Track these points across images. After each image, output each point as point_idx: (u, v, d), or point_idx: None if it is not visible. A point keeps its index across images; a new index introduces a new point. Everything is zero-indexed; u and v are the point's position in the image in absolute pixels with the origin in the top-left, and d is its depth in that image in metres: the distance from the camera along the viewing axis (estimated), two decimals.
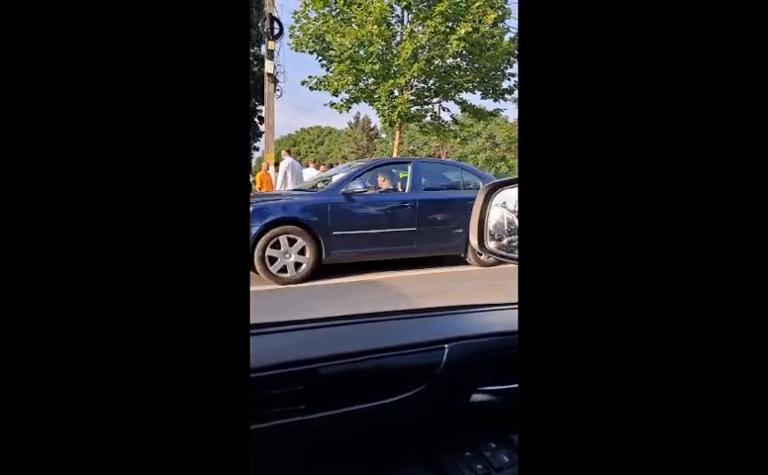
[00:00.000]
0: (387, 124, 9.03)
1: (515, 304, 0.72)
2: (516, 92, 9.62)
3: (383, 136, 27.94)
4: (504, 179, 0.70)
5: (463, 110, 9.90)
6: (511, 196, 0.72)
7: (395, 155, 9.51)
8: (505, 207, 0.78)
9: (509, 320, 0.66)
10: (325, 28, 8.35)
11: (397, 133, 9.39)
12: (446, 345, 0.54)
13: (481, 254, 0.72)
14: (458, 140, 10.43)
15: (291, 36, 8.68)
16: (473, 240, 0.73)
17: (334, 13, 8.35)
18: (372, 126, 30.12)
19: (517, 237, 0.75)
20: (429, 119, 9.83)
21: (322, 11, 8.33)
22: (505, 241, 0.78)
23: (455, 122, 10.45)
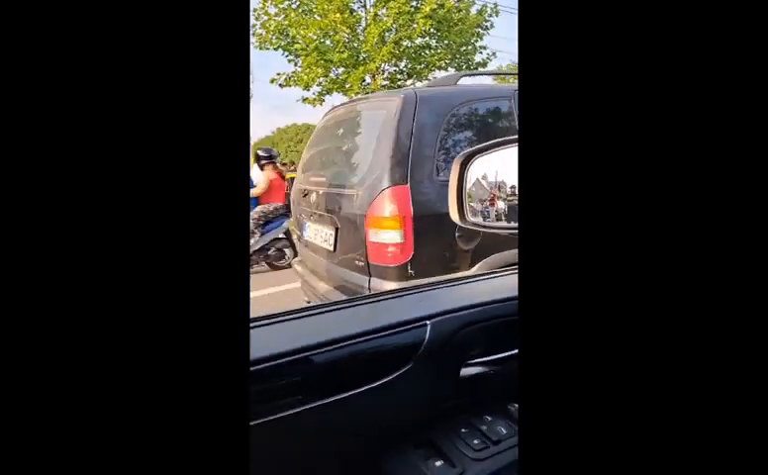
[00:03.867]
0: None
1: (493, 273, 0.70)
2: (489, 65, 9.58)
3: None
4: (477, 147, 0.65)
5: None
6: (486, 163, 0.67)
7: None
8: (484, 177, 0.74)
9: (490, 289, 0.64)
10: (287, 22, 8.15)
11: None
12: (428, 322, 0.51)
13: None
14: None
15: (253, 34, 8.45)
16: (453, 215, 0.68)
17: (294, 5, 8.15)
18: None
19: (497, 204, 0.70)
20: None
21: (282, 5, 8.12)
22: (486, 211, 0.73)
23: None
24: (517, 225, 0.73)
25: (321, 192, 1.95)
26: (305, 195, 2.10)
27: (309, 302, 2.30)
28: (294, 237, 2.56)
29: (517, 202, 0.67)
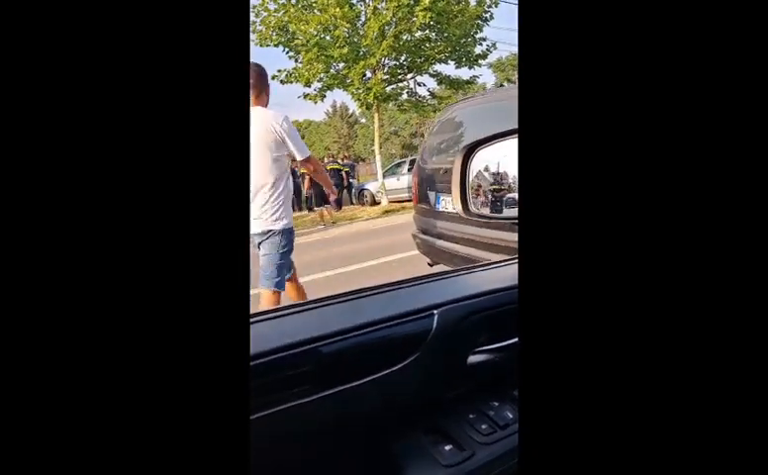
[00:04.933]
0: (364, 107, 8.89)
1: (499, 262, 0.71)
2: (489, 57, 9.51)
3: (363, 121, 27.62)
4: (479, 138, 0.67)
5: (439, 82, 9.76)
6: (488, 155, 0.69)
7: (376, 138, 9.42)
8: (486, 169, 0.75)
9: (496, 278, 0.65)
10: (286, 18, 8.11)
11: (376, 115, 9.26)
12: (436, 311, 0.52)
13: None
14: (438, 113, 10.29)
15: (253, 31, 8.42)
16: (457, 206, 0.70)
17: (293, 1, 8.11)
18: (350, 112, 29.71)
19: (498, 195, 0.72)
20: (405, 96, 9.69)
21: (281, 1, 8.08)
22: (489, 203, 0.76)
23: (433, 96, 10.30)
24: (516, 215, 0.75)
25: None
26: (444, 172, 2.51)
27: (433, 265, 2.72)
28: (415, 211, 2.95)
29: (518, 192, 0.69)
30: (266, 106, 1.66)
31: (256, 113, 1.60)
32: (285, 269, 1.69)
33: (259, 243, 1.66)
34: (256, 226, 1.64)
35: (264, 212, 1.63)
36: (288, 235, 1.68)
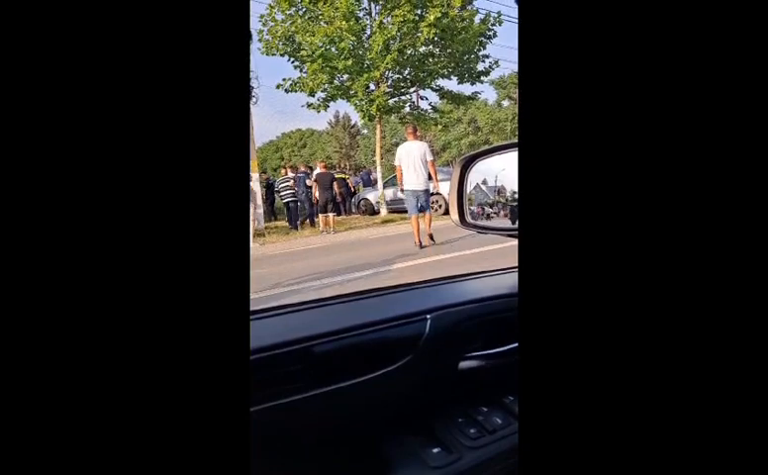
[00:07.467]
0: (367, 119, 8.97)
1: (492, 271, 0.72)
2: (492, 74, 9.65)
3: (365, 132, 27.86)
4: (478, 151, 0.69)
5: (441, 97, 9.87)
6: (486, 167, 0.70)
7: (378, 149, 9.49)
8: (484, 182, 0.76)
9: (488, 286, 0.66)
10: (293, 28, 8.24)
11: (377, 127, 9.35)
12: (428, 316, 0.53)
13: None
14: (439, 127, 10.38)
15: (260, 40, 8.54)
16: (454, 217, 0.71)
17: (300, 12, 8.24)
18: (353, 123, 29.96)
19: (495, 208, 0.73)
20: (408, 109, 9.79)
21: (288, 12, 8.22)
22: (486, 214, 0.77)
23: (435, 109, 10.41)
24: (512, 226, 0.77)
25: None
26: None
27: None
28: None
29: (515, 204, 0.70)
30: (416, 139, 4.36)
31: (415, 143, 4.32)
32: (429, 204, 4.48)
33: (419, 195, 4.24)
34: (418, 186, 4.25)
35: (423, 183, 4.22)
36: (429, 191, 4.34)
